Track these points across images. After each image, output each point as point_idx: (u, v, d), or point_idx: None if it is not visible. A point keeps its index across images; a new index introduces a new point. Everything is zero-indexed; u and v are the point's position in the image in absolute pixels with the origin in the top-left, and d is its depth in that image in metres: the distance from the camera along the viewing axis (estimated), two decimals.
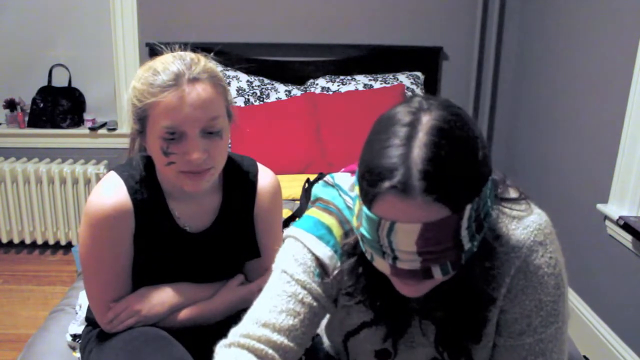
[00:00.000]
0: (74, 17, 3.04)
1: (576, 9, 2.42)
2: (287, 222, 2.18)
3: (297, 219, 2.22)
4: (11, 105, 3.03)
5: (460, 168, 0.71)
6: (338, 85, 2.91)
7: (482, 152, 0.74)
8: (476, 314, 0.89)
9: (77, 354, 1.39)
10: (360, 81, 2.93)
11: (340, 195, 0.95)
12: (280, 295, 0.89)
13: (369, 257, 0.80)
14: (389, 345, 0.97)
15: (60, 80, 3.10)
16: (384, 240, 0.73)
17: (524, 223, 0.88)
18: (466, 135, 0.73)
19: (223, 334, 0.90)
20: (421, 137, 0.71)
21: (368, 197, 0.73)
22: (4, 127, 3.07)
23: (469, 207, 0.72)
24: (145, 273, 1.20)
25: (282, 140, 2.68)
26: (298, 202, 2.35)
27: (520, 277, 0.88)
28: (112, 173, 1.18)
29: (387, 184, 0.70)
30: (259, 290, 1.24)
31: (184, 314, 1.20)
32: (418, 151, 0.70)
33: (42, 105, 3.02)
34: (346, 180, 0.96)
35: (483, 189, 0.74)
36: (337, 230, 0.92)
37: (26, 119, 3.05)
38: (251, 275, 1.30)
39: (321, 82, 2.94)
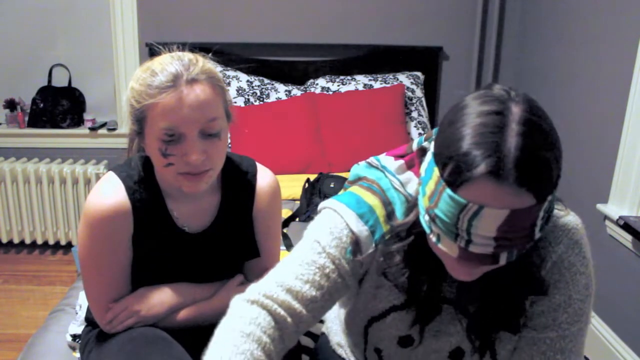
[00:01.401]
0: (74, 17, 3.04)
1: (576, 9, 2.42)
2: (287, 222, 2.18)
3: (297, 219, 2.23)
4: (11, 105, 3.03)
5: (549, 159, 0.73)
6: (338, 85, 2.91)
7: (561, 146, 0.76)
8: (520, 302, 0.91)
9: (77, 354, 1.39)
10: (360, 81, 2.93)
11: (386, 176, 0.96)
12: (310, 265, 0.89)
13: (433, 239, 0.80)
14: (415, 331, 0.97)
15: (60, 80, 3.10)
16: (463, 224, 0.74)
17: (563, 221, 0.92)
18: (551, 128, 0.75)
19: None
20: (514, 127, 0.72)
21: (457, 180, 0.73)
22: (4, 127, 3.07)
23: (549, 198, 0.74)
24: (145, 273, 1.20)
25: (282, 140, 2.67)
26: (298, 202, 2.35)
27: (555, 272, 0.91)
28: (111, 173, 1.17)
29: (481, 169, 0.71)
30: None
31: (183, 314, 1.20)
32: (512, 140, 0.71)
33: (42, 105, 3.02)
34: (391, 163, 0.96)
35: (558, 182, 0.76)
36: (380, 211, 0.93)
37: (26, 119, 3.05)
38: (250, 275, 1.29)
39: (321, 82, 2.94)
